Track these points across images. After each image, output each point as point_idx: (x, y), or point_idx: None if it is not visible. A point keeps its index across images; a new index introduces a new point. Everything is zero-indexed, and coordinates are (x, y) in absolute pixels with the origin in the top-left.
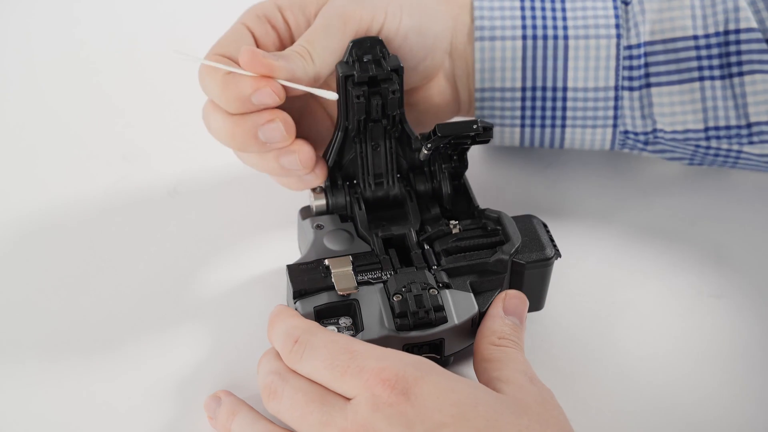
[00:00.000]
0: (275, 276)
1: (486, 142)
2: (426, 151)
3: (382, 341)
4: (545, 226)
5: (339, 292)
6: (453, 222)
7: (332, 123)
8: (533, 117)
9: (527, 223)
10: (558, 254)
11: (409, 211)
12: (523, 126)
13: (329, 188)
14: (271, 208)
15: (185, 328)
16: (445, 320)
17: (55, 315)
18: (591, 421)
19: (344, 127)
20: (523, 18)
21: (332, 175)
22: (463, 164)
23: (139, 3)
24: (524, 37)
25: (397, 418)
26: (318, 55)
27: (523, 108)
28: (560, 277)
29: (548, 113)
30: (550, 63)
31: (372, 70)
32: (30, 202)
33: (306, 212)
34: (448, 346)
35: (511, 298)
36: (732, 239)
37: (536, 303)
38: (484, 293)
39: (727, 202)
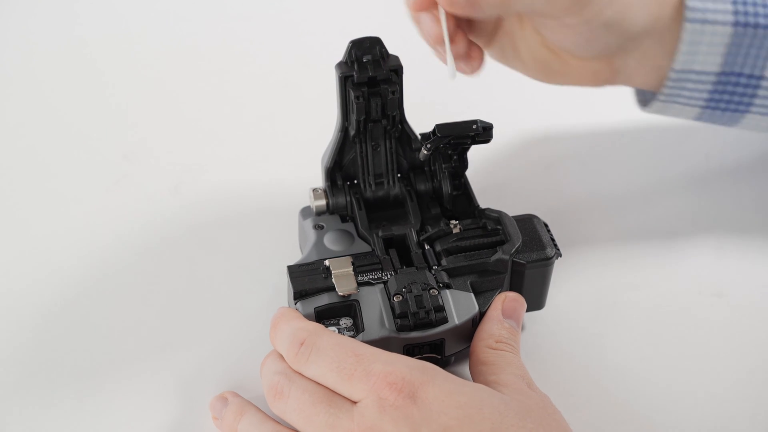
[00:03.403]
0: (276, 276)
1: (486, 142)
2: (426, 151)
3: (383, 342)
4: (546, 225)
5: (339, 293)
6: (453, 222)
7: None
8: (719, 101)
9: (528, 222)
10: (559, 254)
11: (409, 210)
12: (705, 107)
13: (329, 189)
14: (272, 208)
15: (186, 328)
16: (445, 320)
17: (55, 316)
18: (591, 420)
19: (344, 128)
20: (734, 3)
21: (332, 175)
22: (464, 164)
23: (142, 1)
24: (735, 24)
25: (403, 421)
26: None
27: (712, 92)
28: (561, 276)
29: (736, 98)
30: (753, 51)
31: (371, 71)
32: (30, 202)
33: (306, 212)
34: (448, 347)
35: (509, 301)
36: (732, 239)
37: (537, 303)
38: (484, 293)
39: (727, 201)
